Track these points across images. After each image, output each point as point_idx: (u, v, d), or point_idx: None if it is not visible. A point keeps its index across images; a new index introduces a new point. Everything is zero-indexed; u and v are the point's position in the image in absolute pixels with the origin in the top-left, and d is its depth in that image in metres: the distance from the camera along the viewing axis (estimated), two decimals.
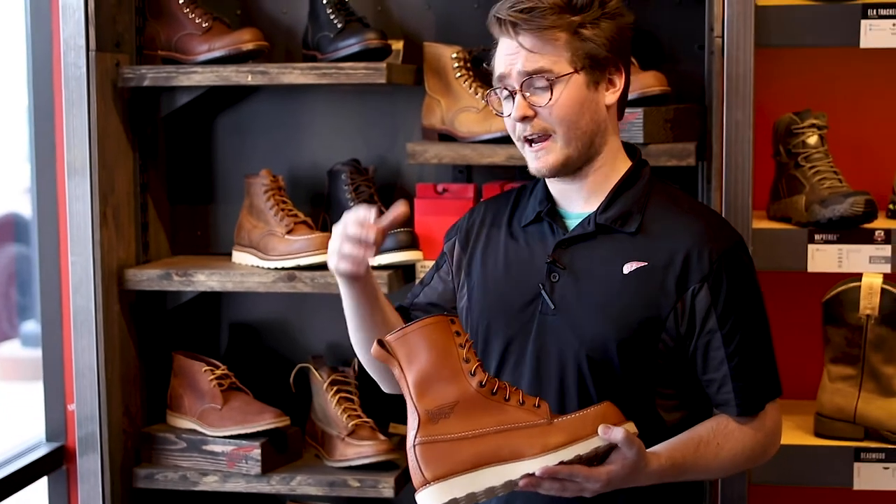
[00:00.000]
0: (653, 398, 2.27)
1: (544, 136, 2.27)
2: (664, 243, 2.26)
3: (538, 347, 2.29)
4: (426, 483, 2.05)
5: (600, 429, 2.05)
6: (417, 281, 2.61)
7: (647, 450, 2.14)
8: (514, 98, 2.27)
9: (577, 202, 2.34)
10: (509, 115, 2.29)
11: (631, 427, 2.08)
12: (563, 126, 2.25)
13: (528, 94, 2.25)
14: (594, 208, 2.31)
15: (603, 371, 2.25)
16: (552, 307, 2.28)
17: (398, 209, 2.26)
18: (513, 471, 2.04)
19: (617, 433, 2.06)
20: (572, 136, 2.26)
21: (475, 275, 2.42)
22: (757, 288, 2.30)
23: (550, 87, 2.23)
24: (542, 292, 2.30)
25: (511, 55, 2.25)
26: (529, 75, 2.24)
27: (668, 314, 2.23)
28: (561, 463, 2.03)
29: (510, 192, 2.50)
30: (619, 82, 2.31)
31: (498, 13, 2.26)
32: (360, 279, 2.32)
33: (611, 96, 2.30)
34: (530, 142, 2.28)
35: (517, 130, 2.29)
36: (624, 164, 2.35)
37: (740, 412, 2.25)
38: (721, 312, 2.23)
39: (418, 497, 2.07)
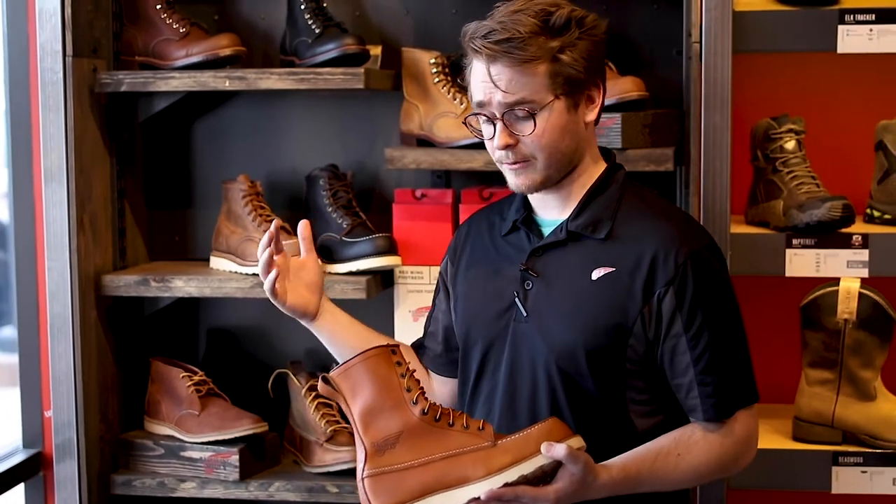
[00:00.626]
0: (624, 404, 2.26)
1: (524, 160, 2.26)
2: (632, 248, 2.26)
3: (512, 355, 2.30)
4: None
5: (543, 446, 2.05)
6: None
7: (602, 463, 2.14)
8: (494, 124, 2.26)
9: (553, 209, 2.35)
10: (490, 139, 2.28)
11: (576, 442, 2.08)
12: (545, 153, 2.25)
13: (509, 123, 2.24)
14: (567, 215, 2.32)
15: (572, 378, 2.25)
16: (525, 315, 2.29)
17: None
18: (459, 496, 2.05)
19: (559, 450, 2.05)
20: (553, 161, 2.26)
21: (459, 286, 2.45)
22: (727, 292, 2.28)
23: (532, 117, 2.22)
24: (516, 300, 2.30)
25: (488, 83, 2.23)
26: (510, 107, 2.22)
27: (635, 319, 2.23)
28: (506, 484, 2.04)
29: (491, 205, 2.53)
30: (598, 97, 2.31)
31: (472, 43, 2.23)
32: (308, 317, 2.45)
33: (591, 113, 2.30)
34: (509, 162, 2.28)
35: (497, 155, 2.29)
36: (598, 169, 2.35)
37: (706, 418, 2.24)
38: (686, 316, 2.22)
39: None
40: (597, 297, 2.24)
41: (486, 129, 2.29)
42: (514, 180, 2.30)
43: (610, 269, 2.25)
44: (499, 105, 2.23)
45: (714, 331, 2.23)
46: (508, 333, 2.31)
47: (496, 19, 2.22)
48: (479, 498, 2.04)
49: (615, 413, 2.26)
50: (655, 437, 2.25)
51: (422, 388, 2.15)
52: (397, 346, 2.20)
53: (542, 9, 2.22)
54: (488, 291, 2.36)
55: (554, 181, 2.29)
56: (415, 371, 2.19)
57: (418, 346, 2.59)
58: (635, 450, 2.22)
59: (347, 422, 3.08)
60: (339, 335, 2.49)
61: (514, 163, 2.27)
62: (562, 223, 2.31)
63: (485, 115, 2.27)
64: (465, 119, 2.34)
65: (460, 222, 2.79)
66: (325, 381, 2.14)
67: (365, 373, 2.12)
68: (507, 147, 2.25)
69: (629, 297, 2.23)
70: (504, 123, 2.24)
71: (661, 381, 2.28)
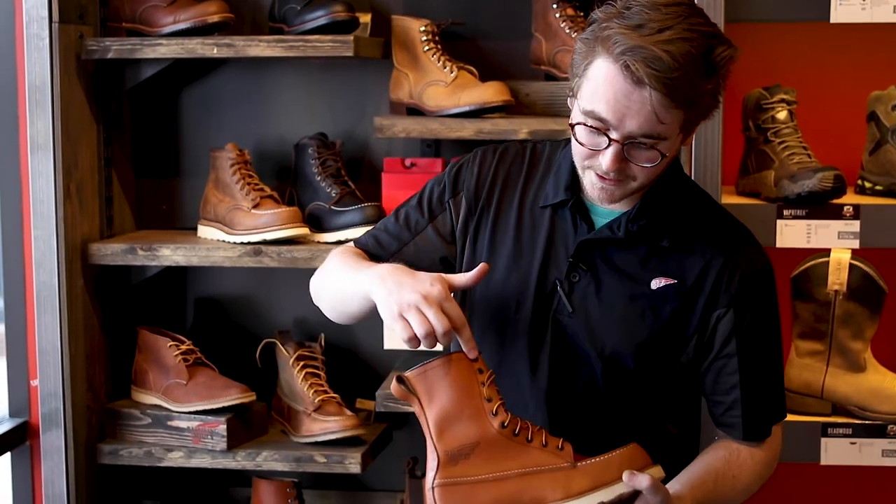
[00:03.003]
0: (662, 411, 2.23)
1: (622, 180, 2.09)
2: (695, 262, 2.16)
3: (552, 349, 2.19)
4: None
5: (625, 475, 1.98)
6: (394, 217, 2.37)
7: (675, 493, 2.08)
8: (607, 140, 2.03)
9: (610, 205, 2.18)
10: (596, 152, 2.06)
11: (657, 472, 2.02)
12: (649, 179, 2.10)
13: (627, 146, 2.04)
14: (624, 208, 2.18)
15: (617, 382, 2.18)
16: (570, 310, 2.18)
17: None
18: None
19: (643, 480, 1.98)
20: (650, 184, 2.13)
21: (480, 249, 2.27)
22: (777, 313, 2.24)
23: (656, 150, 2.03)
24: (560, 291, 2.19)
25: (627, 108, 1.99)
26: (641, 137, 2.02)
27: (692, 335, 2.17)
28: None
29: (522, 150, 2.32)
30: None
31: (628, 58, 1.96)
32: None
33: (692, 137, 2.16)
34: (603, 177, 2.09)
35: (594, 166, 2.09)
36: None
37: (745, 437, 2.22)
38: (742, 338, 2.17)
39: None
40: (655, 307, 2.15)
41: (592, 140, 2.06)
42: (596, 193, 2.12)
43: (671, 281, 2.15)
44: (628, 132, 2.01)
45: (765, 355, 2.20)
46: (549, 325, 2.19)
47: (656, 41, 1.95)
48: None
49: (652, 418, 2.22)
50: (678, 446, 2.24)
51: (502, 399, 2.05)
52: (479, 353, 2.07)
53: (706, 41, 1.99)
54: (521, 270, 2.22)
55: None
56: (494, 379, 2.06)
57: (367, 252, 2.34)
58: (693, 472, 2.17)
59: (336, 392, 3.09)
60: None
61: (610, 180, 2.08)
62: (619, 219, 2.17)
63: (597, 129, 2.04)
64: (574, 125, 2.08)
65: None
66: (400, 381, 2.04)
67: (444, 377, 2.03)
68: (616, 170, 2.06)
69: (690, 312, 2.16)
70: (622, 147, 2.03)
71: (691, 393, 2.26)
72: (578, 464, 2.01)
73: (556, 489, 1.99)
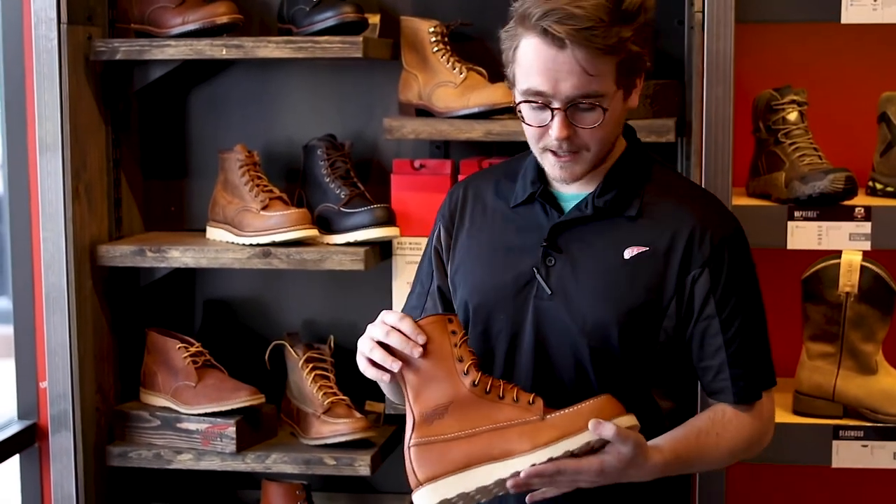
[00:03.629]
0: (650, 386, 2.23)
1: (576, 150, 2.17)
2: (666, 227, 2.20)
3: (535, 333, 2.23)
4: (419, 485, 2.05)
5: (591, 424, 2.01)
6: (410, 289, 2.50)
7: (652, 443, 2.10)
8: (552, 112, 2.12)
9: (573, 184, 2.25)
10: (541, 127, 2.15)
11: (628, 420, 2.04)
12: (600, 144, 2.17)
13: (570, 113, 2.12)
14: (589, 189, 2.25)
15: (603, 358, 2.20)
16: (549, 292, 2.22)
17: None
18: (503, 469, 2.02)
19: (607, 429, 2.00)
20: (603, 151, 2.19)
21: (459, 255, 2.36)
22: (754, 275, 2.26)
23: (598, 109, 2.12)
24: (538, 276, 2.23)
25: (557, 72, 2.09)
26: (579, 99, 2.10)
27: (670, 300, 2.19)
28: (550, 459, 2.01)
29: (489, 169, 2.46)
30: (640, 81, 2.21)
31: (544, 22, 2.07)
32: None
33: (635, 97, 2.21)
34: (556, 153, 2.18)
35: (545, 142, 2.17)
36: (620, 144, 2.28)
37: (737, 400, 2.22)
38: (720, 298, 2.19)
39: (413, 498, 2.06)
40: (630, 276, 2.19)
41: (538, 117, 2.15)
42: (557, 172, 2.19)
43: (643, 249, 2.20)
44: (566, 96, 2.10)
45: (744, 314, 2.21)
46: (528, 310, 2.23)
47: (568, 1, 2.06)
48: (518, 474, 2.01)
49: (641, 393, 2.22)
50: (672, 421, 2.23)
51: (475, 357, 2.11)
52: (454, 313, 2.16)
53: None
54: (500, 265, 2.28)
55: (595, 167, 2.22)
56: (467, 339, 2.14)
57: None
58: (676, 430, 2.19)
59: (345, 394, 3.08)
60: None
61: (563, 154, 2.16)
62: (586, 198, 2.24)
63: (537, 103, 2.13)
64: (517, 105, 2.18)
65: None
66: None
67: None
68: (565, 138, 2.13)
69: (664, 277, 2.19)
70: (565, 113, 2.11)
71: (682, 365, 2.26)
72: (548, 417, 2.05)
73: (524, 441, 2.03)
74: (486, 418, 2.07)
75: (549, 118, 2.13)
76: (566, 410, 2.04)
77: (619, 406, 2.05)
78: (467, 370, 2.09)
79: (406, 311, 2.44)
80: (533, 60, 2.11)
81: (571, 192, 2.27)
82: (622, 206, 2.23)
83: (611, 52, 2.08)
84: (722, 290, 2.19)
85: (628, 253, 2.20)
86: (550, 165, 2.20)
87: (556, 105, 2.11)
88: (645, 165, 2.28)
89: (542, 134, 2.17)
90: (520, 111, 2.18)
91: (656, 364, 2.23)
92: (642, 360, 2.22)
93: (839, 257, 2.82)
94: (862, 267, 2.80)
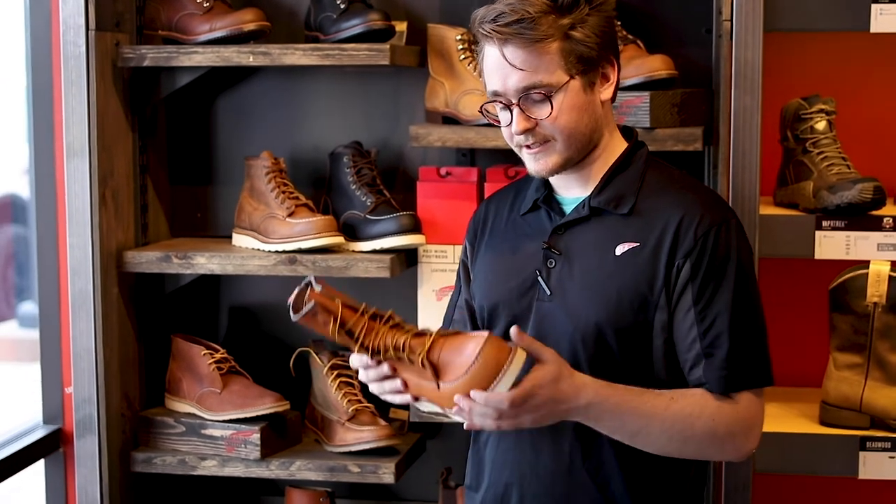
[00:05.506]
0: (649, 384, 2.23)
1: (544, 142, 2.25)
2: (656, 222, 2.25)
3: (536, 334, 2.26)
4: None
5: (513, 330, 2.08)
6: (448, 303, 2.58)
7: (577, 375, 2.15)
8: (510, 110, 2.25)
9: (574, 188, 2.34)
10: (507, 126, 2.27)
11: (519, 357, 2.08)
12: (565, 134, 2.24)
13: (525, 107, 2.23)
14: (589, 192, 2.31)
15: (600, 355, 2.23)
16: (548, 293, 2.28)
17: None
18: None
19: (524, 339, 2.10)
20: (573, 141, 2.26)
21: (478, 265, 2.43)
22: (744, 268, 2.25)
23: (548, 100, 2.21)
24: (539, 278, 2.29)
25: (502, 70, 2.22)
26: (526, 91, 2.21)
27: (660, 292, 2.22)
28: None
29: (509, 185, 2.52)
30: (613, 75, 2.30)
31: (481, 28, 2.22)
32: None
33: (606, 91, 2.29)
34: (528, 146, 2.27)
35: (515, 140, 2.28)
36: (620, 147, 2.34)
37: (710, 389, 2.20)
38: (698, 288, 2.21)
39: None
40: (621, 272, 2.23)
41: (504, 116, 2.27)
42: (533, 165, 2.29)
43: (634, 245, 2.24)
44: (514, 90, 2.22)
45: (725, 305, 2.20)
46: (531, 312, 2.29)
47: (504, 2, 2.21)
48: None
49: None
50: None
51: (361, 329, 2.14)
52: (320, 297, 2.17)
53: None
54: (509, 270, 2.35)
55: (573, 163, 2.28)
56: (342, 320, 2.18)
57: None
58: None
59: (370, 401, 3.08)
60: None
61: (533, 146, 2.26)
62: (584, 200, 2.31)
63: (501, 103, 2.26)
64: (482, 107, 2.33)
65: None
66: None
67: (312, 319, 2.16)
68: (525, 131, 2.24)
69: (654, 271, 2.22)
70: (520, 108, 2.23)
71: (676, 363, 2.26)
72: (442, 386, 2.10)
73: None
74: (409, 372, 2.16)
75: (510, 115, 2.25)
76: (457, 380, 2.08)
77: (504, 346, 2.08)
78: (358, 349, 2.14)
79: (443, 325, 2.52)
80: (487, 64, 2.26)
81: (573, 196, 2.34)
82: (617, 204, 2.28)
83: (543, 40, 2.18)
84: (701, 280, 2.20)
85: (620, 249, 2.25)
86: (527, 160, 2.29)
87: (510, 100, 2.23)
88: (643, 165, 2.33)
89: (511, 134, 2.27)
90: (488, 112, 2.32)
91: (655, 362, 2.24)
92: (640, 357, 2.23)
93: (867, 267, 2.80)
94: (890, 277, 2.78)
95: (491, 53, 2.23)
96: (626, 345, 2.23)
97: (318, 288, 2.15)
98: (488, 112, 2.32)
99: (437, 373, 2.11)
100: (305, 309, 2.13)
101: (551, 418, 2.14)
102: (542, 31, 2.18)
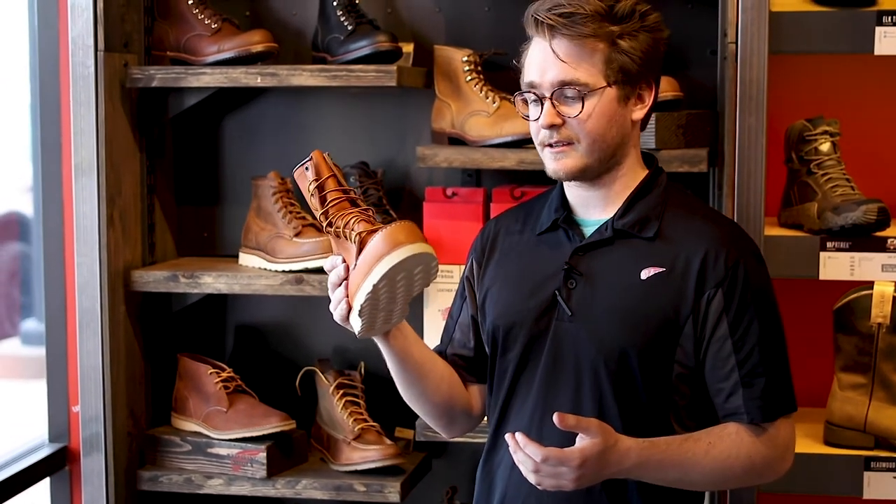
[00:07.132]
0: (669, 409, 2.25)
1: (567, 142, 2.25)
2: (682, 248, 2.24)
3: (553, 354, 2.27)
4: None
5: (555, 418, 2.08)
6: (447, 315, 2.58)
7: (619, 440, 2.14)
8: (541, 103, 2.25)
9: (595, 209, 2.33)
10: (535, 120, 2.27)
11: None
12: (590, 138, 2.24)
13: (557, 103, 2.23)
14: (611, 215, 2.30)
15: (621, 378, 2.23)
16: (569, 314, 2.27)
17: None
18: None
19: (570, 420, 2.09)
20: (596, 148, 2.25)
21: (487, 282, 2.42)
22: (771, 299, 2.28)
23: (582, 100, 2.22)
24: (559, 298, 2.28)
25: (544, 62, 2.24)
26: (562, 85, 2.22)
27: (686, 319, 2.22)
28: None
29: (520, 205, 2.52)
30: (648, 98, 2.30)
31: (536, 13, 2.23)
32: (390, 336, 2.35)
33: (639, 112, 2.30)
34: (551, 145, 2.27)
35: (541, 136, 2.27)
36: (642, 172, 2.34)
37: (750, 419, 2.22)
38: (733, 319, 2.21)
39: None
40: (647, 296, 2.23)
41: (534, 110, 2.28)
42: (552, 165, 2.28)
43: (660, 269, 2.24)
44: (550, 83, 2.23)
45: (760, 335, 2.22)
46: (549, 332, 2.29)
47: None
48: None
49: (660, 417, 2.24)
50: None
51: (331, 202, 2.25)
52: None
53: None
54: (524, 290, 2.33)
55: (592, 173, 2.28)
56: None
57: (449, 360, 2.51)
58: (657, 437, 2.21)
59: (375, 420, 3.09)
60: (409, 351, 2.39)
61: (556, 145, 2.25)
62: (606, 222, 2.30)
63: (534, 94, 2.26)
64: (514, 98, 2.33)
65: None
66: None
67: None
68: (552, 126, 2.24)
69: (681, 297, 2.22)
70: (552, 102, 2.23)
71: (703, 389, 2.27)
72: (352, 267, 2.22)
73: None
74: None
75: (540, 108, 2.26)
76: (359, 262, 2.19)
77: (396, 240, 2.17)
78: (320, 216, 2.26)
79: (441, 343, 2.53)
80: (530, 56, 2.28)
81: (593, 219, 2.34)
82: (641, 228, 2.28)
83: (591, 37, 2.20)
84: (735, 310, 2.21)
85: (645, 274, 2.25)
86: (547, 159, 2.29)
87: (544, 93, 2.24)
88: (665, 190, 2.33)
89: (538, 128, 2.27)
90: (518, 107, 2.32)
91: (676, 389, 2.25)
92: (661, 382, 2.23)
93: (871, 288, 2.81)
94: (894, 298, 2.79)
95: (537, 44, 2.25)
96: (647, 368, 2.22)
97: (327, 154, 2.28)
98: (518, 105, 2.32)
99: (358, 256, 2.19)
100: (303, 162, 2.26)
101: (594, 482, 2.15)
102: (592, 28, 2.20)
